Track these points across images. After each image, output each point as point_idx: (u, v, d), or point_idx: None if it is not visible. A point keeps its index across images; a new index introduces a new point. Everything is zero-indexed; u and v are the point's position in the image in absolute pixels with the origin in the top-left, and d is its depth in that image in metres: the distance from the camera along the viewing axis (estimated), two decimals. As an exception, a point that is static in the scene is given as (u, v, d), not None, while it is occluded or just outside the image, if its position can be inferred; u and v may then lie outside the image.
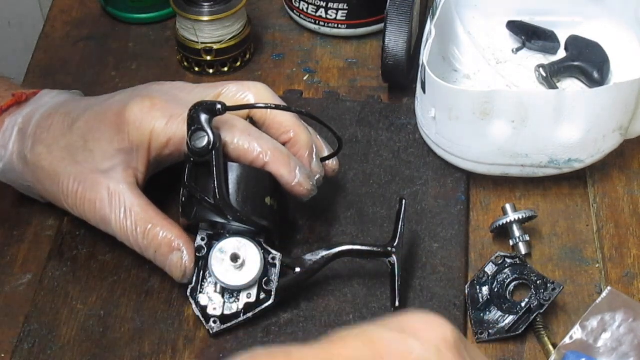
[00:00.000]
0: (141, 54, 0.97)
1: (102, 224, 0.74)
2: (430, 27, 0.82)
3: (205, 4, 0.90)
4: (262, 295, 0.72)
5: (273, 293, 0.71)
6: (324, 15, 0.96)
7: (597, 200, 0.82)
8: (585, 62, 0.88)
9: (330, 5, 0.94)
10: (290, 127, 0.74)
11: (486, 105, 0.76)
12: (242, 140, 0.71)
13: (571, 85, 0.89)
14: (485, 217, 0.81)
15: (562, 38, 0.92)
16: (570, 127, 0.78)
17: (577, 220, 0.81)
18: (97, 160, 0.73)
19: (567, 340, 0.70)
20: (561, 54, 0.91)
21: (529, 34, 0.92)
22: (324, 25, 0.97)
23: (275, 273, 0.72)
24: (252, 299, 0.71)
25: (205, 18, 0.90)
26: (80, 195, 0.73)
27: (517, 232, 0.77)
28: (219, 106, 0.69)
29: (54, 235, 0.79)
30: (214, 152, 0.69)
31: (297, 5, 0.97)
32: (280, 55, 0.97)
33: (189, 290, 0.72)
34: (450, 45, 0.91)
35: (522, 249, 0.77)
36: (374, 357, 0.51)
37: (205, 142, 0.69)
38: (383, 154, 0.85)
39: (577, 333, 0.70)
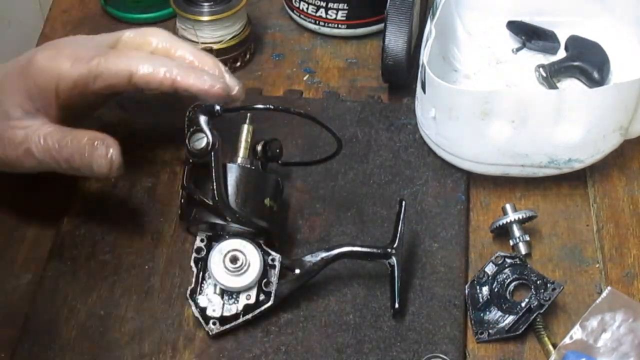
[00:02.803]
0: (141, 53, 0.97)
1: (26, 160, 0.73)
2: (430, 27, 0.82)
3: (205, 4, 0.90)
4: (262, 297, 0.72)
5: (272, 294, 0.71)
6: (324, 15, 0.95)
7: (597, 200, 0.82)
8: (585, 62, 0.88)
9: (330, 5, 0.94)
10: (194, 57, 0.74)
11: (486, 105, 0.76)
12: (144, 67, 0.71)
13: (571, 85, 0.89)
14: (485, 217, 0.81)
15: (562, 38, 0.92)
16: (570, 127, 0.78)
17: (577, 220, 0.81)
18: (10, 112, 0.74)
19: (567, 340, 0.70)
20: (561, 54, 0.91)
21: (529, 34, 0.92)
22: (324, 25, 0.97)
23: (274, 274, 0.71)
24: (252, 301, 0.71)
25: (205, 18, 0.90)
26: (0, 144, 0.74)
27: (517, 232, 0.77)
28: (217, 108, 0.69)
29: (54, 235, 0.79)
30: (212, 153, 0.69)
31: (297, 5, 0.97)
32: (280, 55, 0.97)
33: (188, 292, 0.72)
34: (450, 45, 0.91)
35: (522, 249, 0.77)
36: None
37: (204, 143, 0.69)
38: (383, 154, 0.85)
39: (577, 333, 0.70)
